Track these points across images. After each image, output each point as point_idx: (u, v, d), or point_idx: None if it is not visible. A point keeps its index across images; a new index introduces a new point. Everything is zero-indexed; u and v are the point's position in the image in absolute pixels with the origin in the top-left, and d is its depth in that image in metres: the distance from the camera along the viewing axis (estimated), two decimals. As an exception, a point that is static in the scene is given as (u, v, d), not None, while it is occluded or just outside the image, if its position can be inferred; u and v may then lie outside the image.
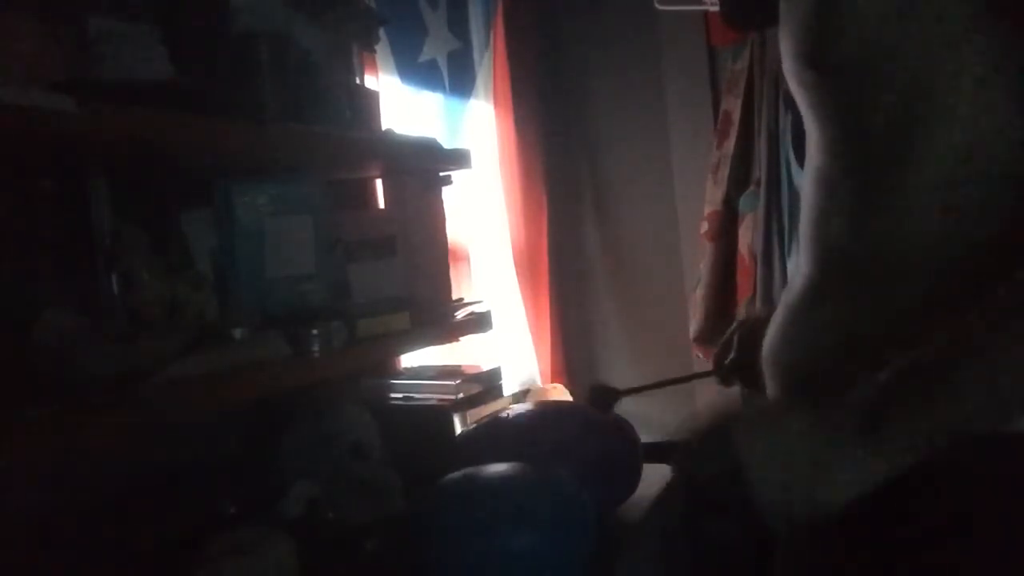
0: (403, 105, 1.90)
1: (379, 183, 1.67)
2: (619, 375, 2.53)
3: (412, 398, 1.55)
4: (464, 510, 1.11)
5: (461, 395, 1.53)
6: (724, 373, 1.01)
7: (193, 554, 1.02)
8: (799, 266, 0.79)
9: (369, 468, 1.32)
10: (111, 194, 1.07)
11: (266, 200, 1.22)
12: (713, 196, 2.19)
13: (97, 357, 0.92)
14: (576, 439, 1.35)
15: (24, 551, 1.00)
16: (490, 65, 2.23)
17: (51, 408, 0.83)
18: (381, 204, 1.66)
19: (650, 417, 2.12)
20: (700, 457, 0.65)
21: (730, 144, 2.16)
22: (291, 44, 1.19)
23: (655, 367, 2.45)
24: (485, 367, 1.64)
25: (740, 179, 2.17)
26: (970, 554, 0.61)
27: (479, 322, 1.53)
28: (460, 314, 1.53)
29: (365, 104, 1.46)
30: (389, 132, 1.48)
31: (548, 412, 1.52)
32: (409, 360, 1.74)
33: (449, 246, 1.63)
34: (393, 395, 1.57)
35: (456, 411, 1.51)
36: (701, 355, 2.22)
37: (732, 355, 1.00)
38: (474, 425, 1.49)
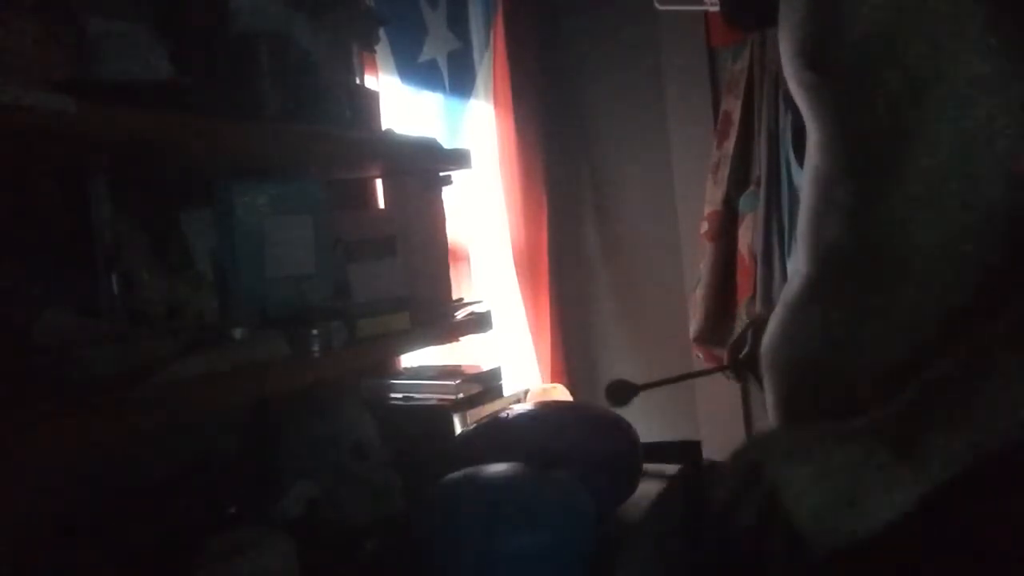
0: (403, 105, 1.90)
1: (379, 183, 1.67)
2: (619, 375, 2.53)
3: (412, 398, 1.55)
4: (464, 510, 1.11)
5: (461, 395, 1.53)
6: (738, 367, 1.02)
7: (193, 554, 1.02)
8: (797, 265, 0.79)
9: (369, 468, 1.32)
10: (111, 194, 1.07)
11: (266, 200, 1.22)
12: (713, 196, 2.19)
13: (97, 357, 0.92)
14: (576, 439, 1.35)
15: (24, 551, 1.00)
16: (490, 65, 2.23)
17: (51, 408, 0.83)
18: (381, 204, 1.66)
19: (650, 417, 2.12)
20: (733, 491, 0.64)
21: (730, 144, 2.16)
22: (291, 44, 1.19)
23: (655, 367, 2.44)
24: (485, 367, 1.64)
25: (740, 179, 2.17)
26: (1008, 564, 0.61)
27: (479, 322, 1.53)
28: (460, 314, 1.53)
29: (365, 104, 1.46)
30: (389, 132, 1.48)
31: (548, 412, 1.51)
32: (409, 360, 1.74)
33: (449, 246, 1.63)
34: (393, 395, 1.57)
35: (456, 411, 1.51)
36: (701, 355, 2.22)
37: (746, 350, 1.01)
38: (474, 425, 1.48)
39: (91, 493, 1.09)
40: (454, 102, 2.10)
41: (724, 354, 1.10)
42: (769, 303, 2.01)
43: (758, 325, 1.01)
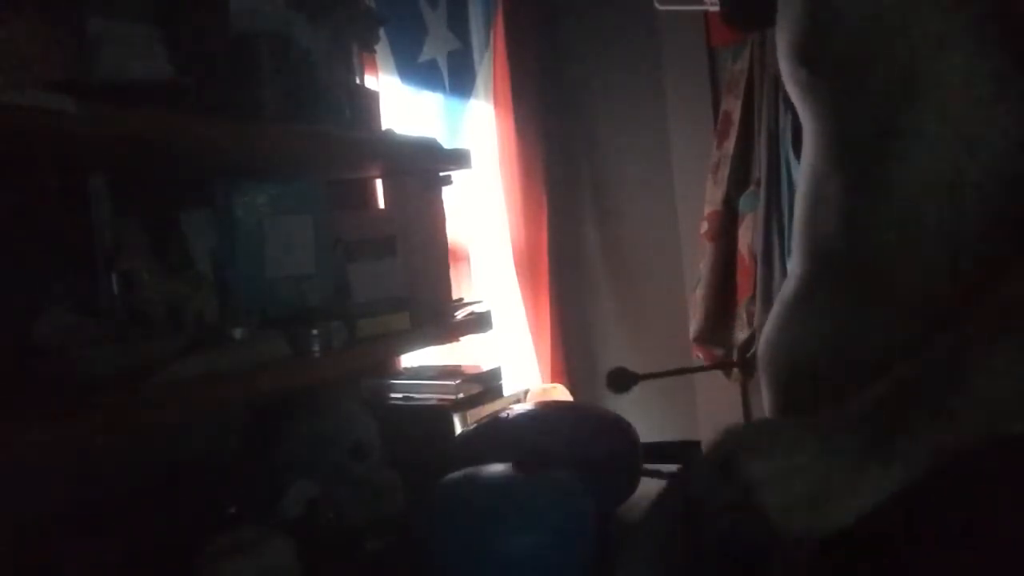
0: (403, 105, 1.90)
1: (379, 183, 1.67)
2: (619, 375, 2.53)
3: (412, 398, 1.55)
4: (464, 510, 1.11)
5: (461, 395, 1.53)
6: (745, 366, 1.03)
7: (193, 554, 1.02)
8: (793, 265, 0.79)
9: (369, 468, 1.32)
10: (111, 194, 1.07)
11: (266, 200, 1.23)
12: (713, 196, 2.19)
13: (97, 357, 0.92)
14: (576, 439, 1.35)
15: (24, 550, 1.00)
16: (490, 65, 2.23)
17: (51, 408, 0.83)
18: (381, 204, 1.66)
19: (650, 417, 2.12)
20: (705, 482, 0.64)
21: (730, 144, 2.16)
22: (291, 44, 1.19)
23: (655, 367, 2.45)
24: (485, 367, 1.64)
25: (740, 179, 2.17)
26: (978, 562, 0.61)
27: (479, 322, 1.53)
28: (460, 314, 1.53)
29: (365, 104, 1.46)
30: (389, 132, 1.48)
31: (548, 412, 1.51)
32: (409, 360, 1.74)
33: (449, 246, 1.63)
34: (393, 395, 1.57)
35: (456, 411, 1.51)
36: (701, 355, 2.22)
37: (753, 349, 1.02)
38: (474, 425, 1.48)
39: (91, 493, 1.09)
40: (454, 102, 2.10)
41: (724, 354, 1.11)
42: (769, 303, 2.01)
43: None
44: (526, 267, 2.32)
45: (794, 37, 0.72)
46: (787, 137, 2.02)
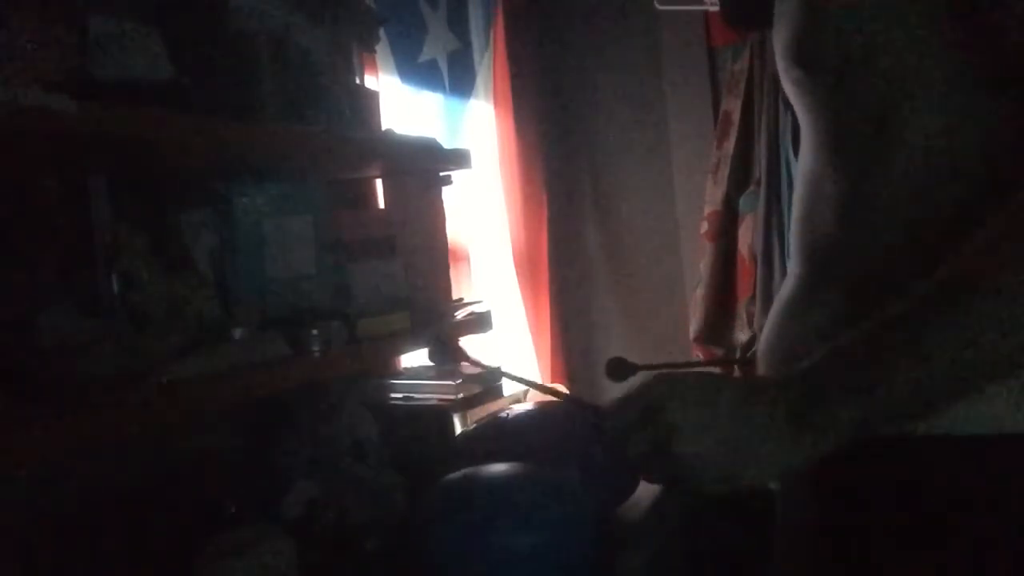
0: (403, 105, 1.90)
1: (379, 183, 1.67)
2: (619, 375, 2.53)
3: (412, 398, 1.55)
4: (464, 510, 1.11)
5: (461, 395, 1.53)
6: (746, 364, 1.05)
7: (193, 554, 1.02)
8: (791, 266, 0.80)
9: (369, 468, 1.32)
10: (111, 194, 1.07)
11: (266, 200, 1.23)
12: (713, 196, 2.19)
13: (97, 357, 0.92)
14: (576, 439, 1.35)
15: (24, 551, 1.00)
16: (490, 65, 2.23)
17: (51, 408, 0.83)
18: (381, 204, 1.66)
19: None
20: (629, 423, 0.65)
21: (730, 144, 2.16)
22: (291, 44, 1.19)
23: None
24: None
25: (740, 179, 2.17)
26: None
27: (479, 322, 1.53)
28: (460, 314, 1.53)
29: (365, 104, 1.46)
30: (389, 132, 1.48)
31: (548, 412, 1.51)
32: (409, 360, 1.74)
33: (449, 246, 1.63)
34: (393, 395, 1.57)
35: (456, 411, 1.51)
36: (701, 355, 2.22)
37: (754, 349, 1.03)
38: (474, 425, 1.48)
39: (91, 493, 1.09)
40: (454, 102, 2.10)
41: (724, 354, 1.12)
42: (769, 303, 2.00)
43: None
44: (526, 267, 2.32)
45: (790, 37, 0.73)
46: (787, 137, 2.02)
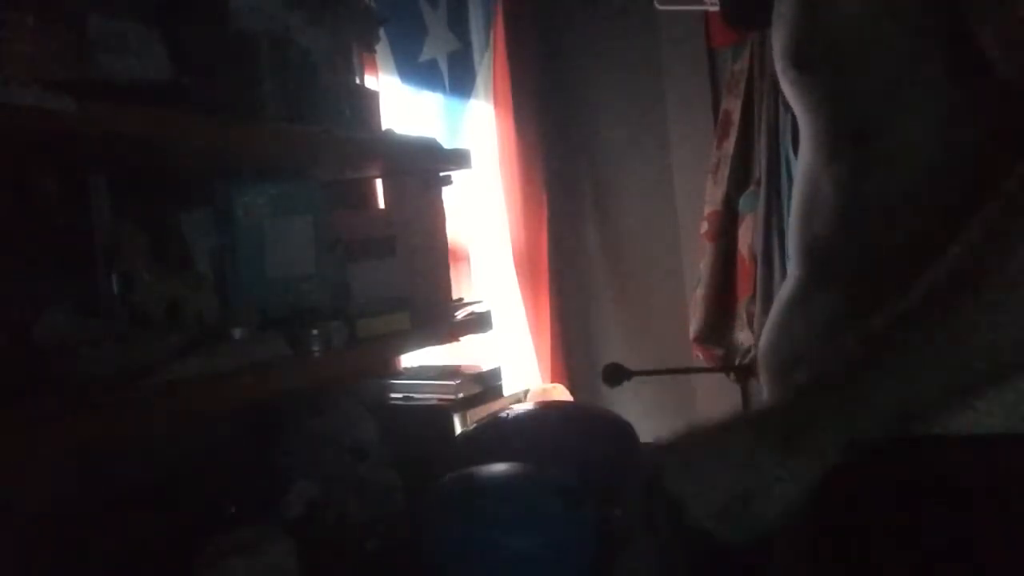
0: (403, 105, 1.90)
1: (379, 183, 1.66)
2: (619, 375, 2.53)
3: (412, 398, 1.55)
4: (464, 510, 1.11)
5: (461, 395, 1.53)
6: (739, 371, 1.06)
7: (193, 554, 1.02)
8: (791, 265, 0.80)
9: (369, 468, 1.32)
10: (111, 194, 1.07)
11: (266, 200, 1.22)
12: (713, 196, 2.19)
13: (97, 357, 0.92)
14: (576, 439, 1.35)
15: (24, 551, 1.00)
16: (490, 65, 2.23)
17: (51, 408, 0.83)
18: (381, 204, 1.66)
19: (650, 417, 2.12)
20: (640, 505, 0.66)
21: (730, 144, 2.16)
22: (291, 44, 1.19)
23: (655, 366, 2.44)
24: (485, 367, 1.64)
25: (740, 179, 2.17)
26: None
27: (479, 322, 1.53)
28: (460, 314, 1.53)
29: (365, 104, 1.46)
30: (389, 132, 1.48)
31: (548, 412, 1.51)
32: (409, 360, 1.74)
33: (449, 246, 1.63)
34: (393, 395, 1.57)
35: (456, 411, 1.51)
36: (701, 355, 2.22)
37: (752, 354, 1.04)
38: (474, 425, 1.48)
39: (91, 493, 1.09)
40: (454, 102, 2.10)
41: (724, 354, 1.13)
42: (769, 303, 2.00)
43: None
44: (526, 267, 2.32)
45: (787, 38, 0.73)
46: (787, 137, 2.02)
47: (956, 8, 0.61)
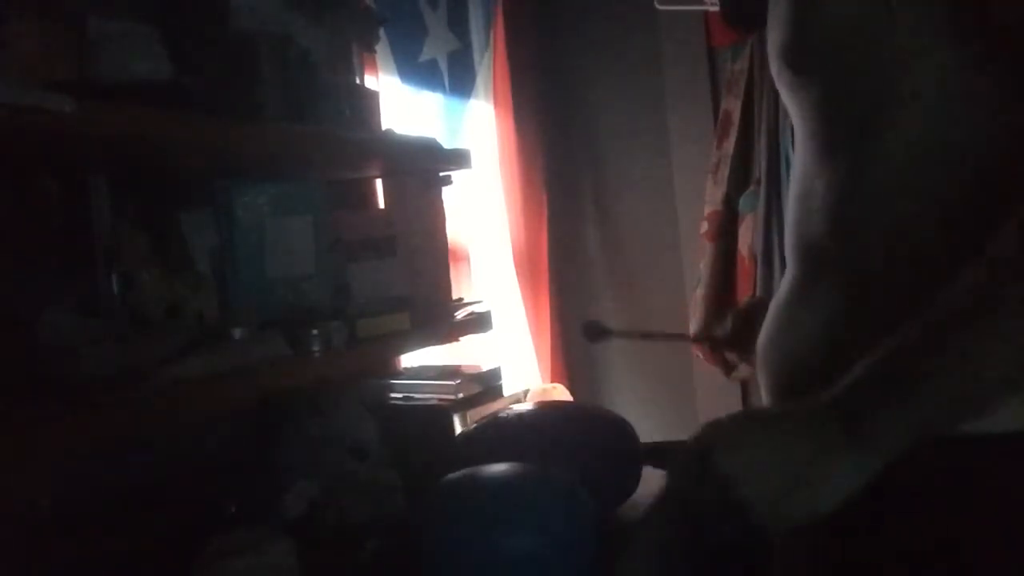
0: (403, 105, 1.90)
1: (379, 183, 1.67)
2: (619, 375, 2.54)
3: (412, 398, 1.55)
4: (464, 510, 1.11)
5: (461, 395, 1.53)
6: (711, 343, 1.13)
7: (193, 554, 1.02)
8: (788, 265, 0.80)
9: (369, 468, 1.32)
10: (111, 194, 1.07)
11: (266, 200, 1.23)
12: (713, 196, 2.19)
13: (97, 357, 0.92)
14: (576, 439, 1.35)
15: (24, 551, 1.00)
16: (490, 65, 2.23)
17: (51, 407, 0.83)
18: (381, 204, 1.66)
19: (650, 417, 2.12)
20: (683, 480, 0.64)
21: (730, 144, 2.16)
22: (291, 44, 1.19)
23: (655, 366, 2.45)
24: (485, 367, 1.64)
25: (740, 179, 2.17)
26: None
27: (479, 322, 1.53)
28: (460, 314, 1.53)
29: (365, 104, 1.46)
30: (389, 132, 1.48)
31: (548, 412, 1.51)
32: (409, 360, 1.74)
33: (449, 246, 1.63)
34: (393, 395, 1.57)
35: (456, 411, 1.51)
36: (701, 354, 2.22)
37: (727, 330, 1.09)
38: (474, 425, 1.48)
39: (91, 493, 1.09)
40: (454, 102, 2.10)
41: (724, 354, 1.14)
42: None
43: (738, 311, 1.09)
44: (526, 267, 2.32)
45: (781, 38, 0.74)
46: (787, 136, 2.02)
47: (956, 7, 0.62)
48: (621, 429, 1.42)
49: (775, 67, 0.76)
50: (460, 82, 2.12)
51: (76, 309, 1.00)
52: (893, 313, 0.67)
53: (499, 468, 1.18)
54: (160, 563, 1.06)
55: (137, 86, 0.96)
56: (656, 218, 2.42)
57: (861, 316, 0.69)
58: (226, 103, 1.06)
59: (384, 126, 1.52)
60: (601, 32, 2.44)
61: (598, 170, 2.53)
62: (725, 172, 2.17)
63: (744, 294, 2.13)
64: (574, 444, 1.33)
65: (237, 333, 1.08)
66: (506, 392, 1.68)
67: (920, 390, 0.57)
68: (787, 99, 0.78)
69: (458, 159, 1.54)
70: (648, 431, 1.48)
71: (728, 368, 1.15)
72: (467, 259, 2.05)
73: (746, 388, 2.22)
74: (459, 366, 1.66)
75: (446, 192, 1.58)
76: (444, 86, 2.07)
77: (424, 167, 1.54)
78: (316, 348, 1.14)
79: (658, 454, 1.38)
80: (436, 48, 2.04)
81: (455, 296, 1.62)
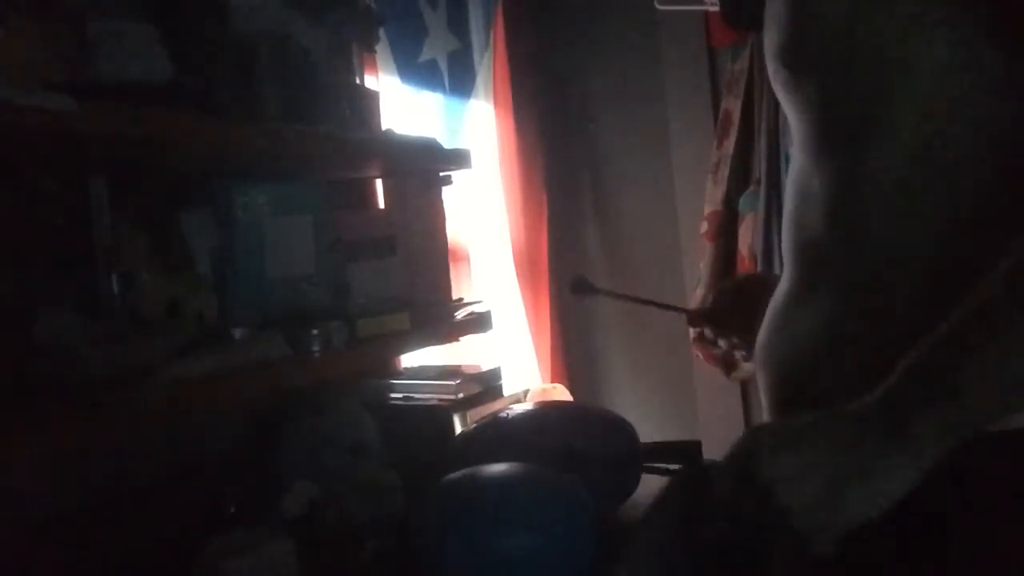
0: (403, 105, 1.90)
1: (379, 183, 1.67)
2: (619, 375, 2.54)
3: (412, 398, 1.55)
4: (464, 510, 1.11)
5: (461, 395, 1.53)
6: (693, 317, 1.14)
7: (193, 554, 1.02)
8: (785, 265, 0.80)
9: (369, 468, 1.32)
10: (111, 194, 1.07)
11: (266, 200, 1.22)
12: (713, 196, 2.19)
13: (97, 357, 0.92)
14: (576, 439, 1.35)
15: (24, 551, 1.00)
16: (490, 65, 2.23)
17: (51, 408, 0.83)
18: (381, 204, 1.66)
19: (650, 417, 2.12)
20: (730, 491, 0.64)
21: (730, 144, 2.16)
22: (291, 44, 1.19)
23: (655, 366, 2.45)
24: (485, 367, 1.64)
25: (740, 179, 2.17)
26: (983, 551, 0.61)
27: (479, 322, 1.53)
28: (460, 314, 1.53)
29: (365, 104, 1.46)
30: (389, 132, 1.48)
31: (548, 412, 1.51)
32: (409, 360, 1.74)
33: (449, 246, 1.63)
34: (393, 395, 1.57)
35: (456, 411, 1.51)
36: (701, 354, 2.22)
37: (706, 304, 1.11)
38: (474, 425, 1.48)
39: (91, 493, 1.09)
40: (454, 102, 2.10)
41: (724, 354, 1.15)
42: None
43: (723, 287, 1.12)
44: (526, 267, 2.32)
45: (778, 39, 0.74)
46: (787, 136, 2.02)
47: (955, 6, 0.61)
48: (621, 429, 1.42)
49: (771, 67, 0.76)
50: (460, 82, 2.12)
51: (76, 309, 1.00)
52: (892, 312, 0.67)
53: (499, 468, 1.18)
54: (160, 563, 1.06)
55: (137, 86, 0.96)
56: (656, 218, 2.42)
57: (860, 316, 0.69)
58: (226, 103, 1.06)
59: (384, 126, 1.52)
60: (601, 32, 2.44)
61: (598, 170, 2.53)
62: (725, 172, 2.17)
63: (744, 294, 2.13)
64: (574, 444, 1.33)
65: (237, 333, 1.08)
66: (506, 392, 1.68)
67: (966, 387, 0.56)
68: (784, 99, 0.77)
69: (458, 159, 1.54)
70: (648, 431, 1.48)
71: (728, 368, 1.15)
72: (467, 259, 2.05)
73: (746, 388, 2.22)
74: (459, 366, 1.66)
75: (446, 192, 1.58)
76: (444, 86, 2.07)
77: (424, 167, 1.54)
78: (316, 348, 1.14)
79: (658, 455, 1.38)
80: (436, 48, 2.04)
81: (455, 296, 1.63)
